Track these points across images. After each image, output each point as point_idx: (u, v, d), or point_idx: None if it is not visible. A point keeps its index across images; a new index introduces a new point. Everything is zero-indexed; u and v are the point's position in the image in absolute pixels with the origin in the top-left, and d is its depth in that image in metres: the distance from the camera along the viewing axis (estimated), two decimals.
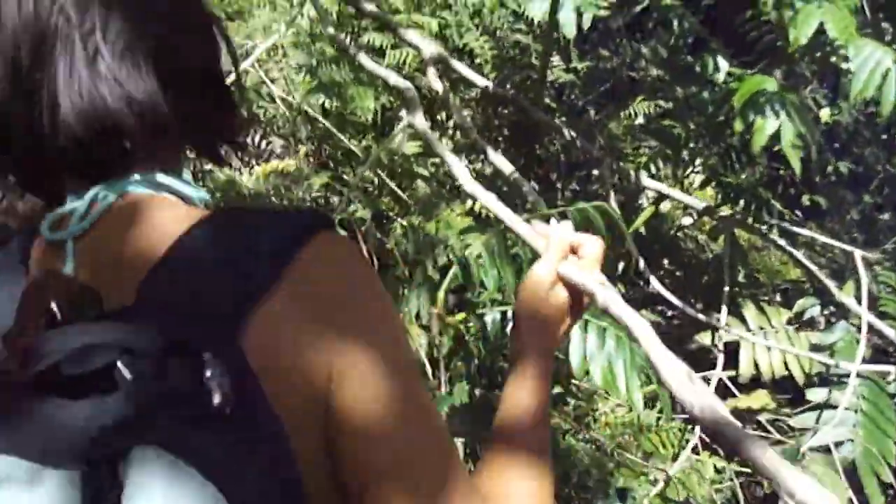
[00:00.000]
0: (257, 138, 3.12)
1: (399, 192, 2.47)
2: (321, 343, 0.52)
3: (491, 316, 0.88)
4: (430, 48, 1.63)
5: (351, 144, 2.59)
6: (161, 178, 0.59)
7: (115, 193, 0.57)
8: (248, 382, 0.47)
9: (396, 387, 0.53)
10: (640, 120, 3.13)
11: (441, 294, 0.90)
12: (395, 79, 1.54)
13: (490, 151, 1.38)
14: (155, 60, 0.57)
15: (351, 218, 2.38)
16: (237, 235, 0.54)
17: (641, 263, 1.62)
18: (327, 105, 2.66)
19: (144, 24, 0.57)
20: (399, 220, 2.45)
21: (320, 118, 2.61)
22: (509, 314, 0.90)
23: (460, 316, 0.97)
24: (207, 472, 0.43)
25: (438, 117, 2.80)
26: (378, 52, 2.61)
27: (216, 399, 0.44)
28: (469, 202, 2.37)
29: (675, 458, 2.26)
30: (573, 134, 2.21)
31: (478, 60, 2.49)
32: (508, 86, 2.67)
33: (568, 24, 2.17)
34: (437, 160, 2.53)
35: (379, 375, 0.52)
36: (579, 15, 2.24)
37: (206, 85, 0.62)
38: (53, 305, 0.47)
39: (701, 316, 2.02)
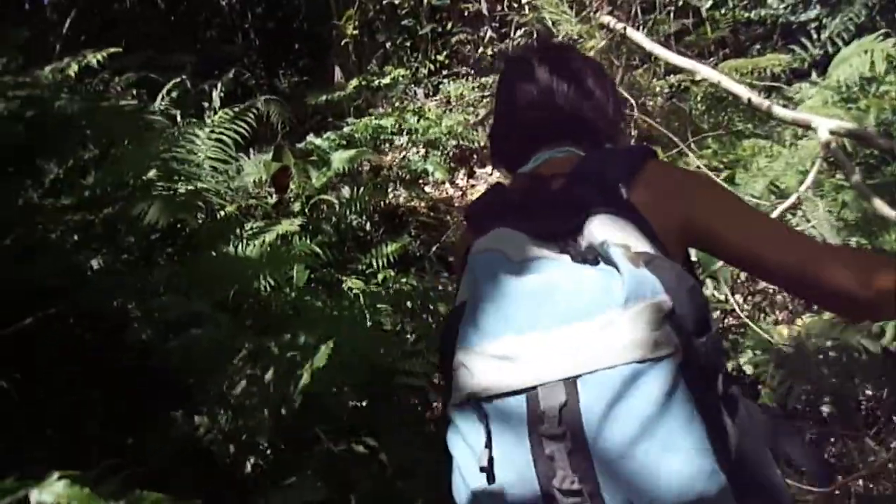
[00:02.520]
0: None
1: None
2: (672, 198, 1.05)
3: None
4: None
5: None
6: (565, 148, 1.21)
7: (549, 155, 1.21)
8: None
9: (730, 200, 1.08)
10: None
11: None
12: None
13: None
14: (588, 98, 1.23)
15: None
16: (614, 154, 1.18)
17: None
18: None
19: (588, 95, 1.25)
20: None
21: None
22: None
23: None
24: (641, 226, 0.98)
25: None
26: None
27: (624, 194, 1.03)
28: None
29: None
30: None
31: None
32: None
33: None
34: None
35: (720, 198, 1.08)
36: None
37: (605, 116, 1.26)
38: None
39: None
